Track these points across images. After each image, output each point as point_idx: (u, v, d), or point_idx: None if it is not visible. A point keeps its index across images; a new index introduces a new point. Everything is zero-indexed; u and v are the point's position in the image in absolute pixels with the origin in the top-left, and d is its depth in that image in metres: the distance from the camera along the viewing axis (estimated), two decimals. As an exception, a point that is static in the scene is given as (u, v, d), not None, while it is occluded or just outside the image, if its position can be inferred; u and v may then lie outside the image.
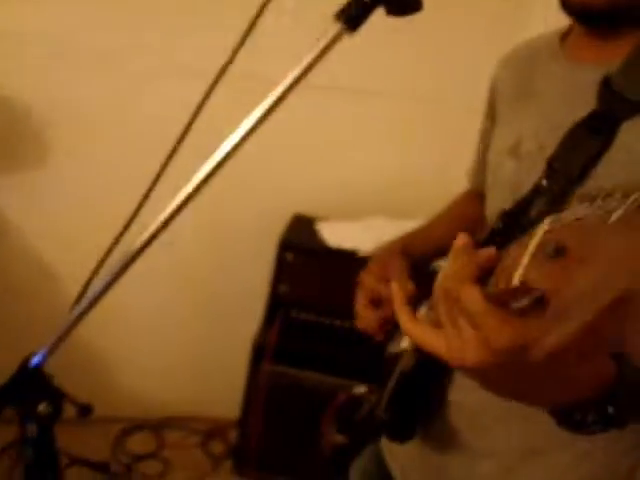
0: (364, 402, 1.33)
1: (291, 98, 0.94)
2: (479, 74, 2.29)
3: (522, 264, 0.54)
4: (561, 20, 1.26)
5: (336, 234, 2.23)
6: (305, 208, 2.44)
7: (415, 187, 2.48)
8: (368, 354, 2.22)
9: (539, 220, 0.98)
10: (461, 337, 0.65)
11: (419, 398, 1.13)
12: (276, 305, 2.26)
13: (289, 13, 2.21)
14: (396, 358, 1.27)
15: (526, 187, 1.03)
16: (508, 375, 0.65)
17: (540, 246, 0.54)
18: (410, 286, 1.20)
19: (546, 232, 0.55)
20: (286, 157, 2.39)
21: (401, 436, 1.12)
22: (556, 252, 0.51)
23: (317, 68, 0.93)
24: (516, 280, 0.54)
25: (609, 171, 0.95)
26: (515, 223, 1.01)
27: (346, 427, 1.95)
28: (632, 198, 0.52)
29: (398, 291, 0.78)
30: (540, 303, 0.55)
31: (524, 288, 0.55)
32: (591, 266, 0.52)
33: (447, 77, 2.44)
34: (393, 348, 1.33)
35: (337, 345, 2.25)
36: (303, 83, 0.94)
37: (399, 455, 1.23)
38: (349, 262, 2.16)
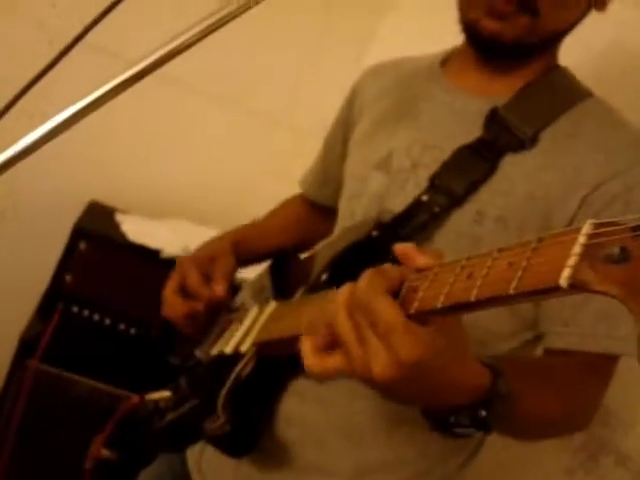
0: (161, 409, 1.19)
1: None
2: (313, 96, 2.28)
3: (569, 264, 0.50)
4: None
5: (139, 230, 2.03)
6: (104, 197, 2.22)
7: (220, 197, 2.38)
8: (150, 366, 2.06)
9: (418, 233, 0.95)
10: (370, 352, 0.64)
11: (255, 408, 1.01)
12: (56, 297, 2.00)
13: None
14: (210, 364, 1.14)
15: (397, 200, 1.03)
16: (410, 384, 0.65)
17: (593, 247, 0.49)
18: (222, 290, 1.15)
19: (592, 235, 0.50)
20: (94, 138, 2.16)
21: (242, 449, 0.98)
22: (621, 257, 0.47)
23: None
24: (563, 281, 0.49)
25: (490, 198, 0.97)
26: (392, 234, 0.99)
27: (125, 439, 1.75)
28: None
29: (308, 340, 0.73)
30: None
31: None
32: None
33: (284, 95, 2.36)
34: (201, 353, 1.21)
35: (118, 352, 2.04)
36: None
37: (210, 473, 1.09)
38: (150, 262, 1.98)
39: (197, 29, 0.81)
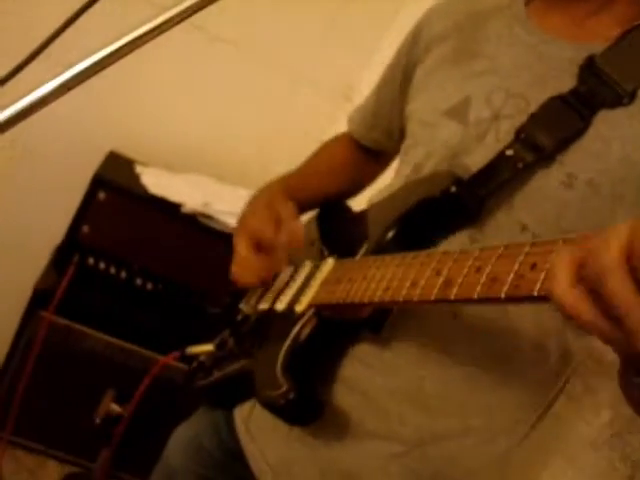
0: (205, 365, 1.15)
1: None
2: (337, 55, 2.22)
3: None
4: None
5: (159, 183, 1.98)
6: (123, 148, 2.16)
7: (240, 153, 2.33)
8: (166, 323, 2.02)
9: (500, 191, 0.89)
10: None
11: (317, 374, 0.96)
12: (72, 248, 1.94)
13: None
14: (260, 320, 1.10)
15: (474, 154, 0.94)
16: None
17: None
18: (300, 226, 1.07)
19: None
20: (115, 88, 2.09)
21: (305, 418, 0.93)
22: None
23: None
24: None
25: (582, 159, 0.89)
26: (471, 192, 0.91)
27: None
28: None
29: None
30: None
31: None
32: None
33: (308, 52, 2.30)
34: (247, 307, 1.16)
35: (133, 306, 2.00)
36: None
37: (260, 435, 1.05)
38: (170, 215, 1.94)
39: None
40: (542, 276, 0.61)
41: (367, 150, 1.29)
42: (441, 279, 0.73)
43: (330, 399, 0.98)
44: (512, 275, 0.64)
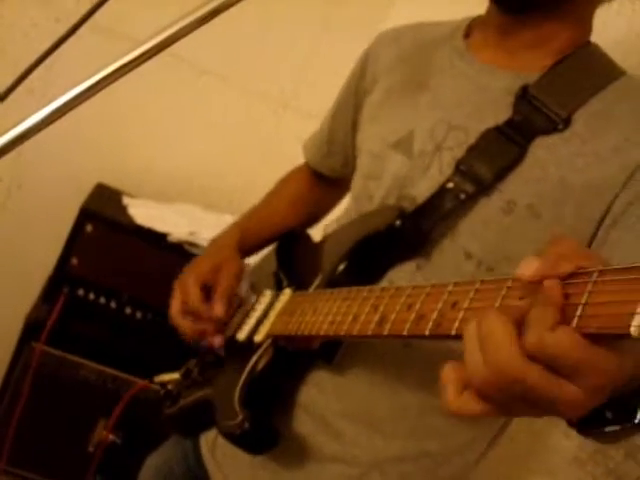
0: (173, 394, 1.18)
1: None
2: (319, 78, 2.26)
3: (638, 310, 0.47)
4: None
5: (146, 213, 2.02)
6: (111, 180, 2.20)
7: (227, 181, 2.37)
8: (155, 350, 2.05)
9: (443, 222, 0.93)
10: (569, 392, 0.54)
11: (273, 402, 1.00)
12: (61, 280, 1.99)
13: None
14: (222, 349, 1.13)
15: (419, 186, 0.98)
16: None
17: None
18: (221, 311, 1.11)
19: None
20: (101, 120, 2.14)
21: (261, 447, 0.97)
22: None
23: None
24: (635, 328, 0.47)
25: (521, 185, 0.92)
26: (416, 224, 0.95)
27: (131, 423, 1.75)
28: None
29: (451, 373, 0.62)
30: None
31: None
32: None
33: (291, 78, 2.36)
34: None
35: (123, 335, 2.03)
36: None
37: (226, 461, 1.08)
38: (157, 245, 1.98)
39: (205, 10, 0.80)
40: (460, 315, 0.64)
41: (325, 178, 1.33)
42: (377, 315, 0.77)
43: (290, 425, 1.02)
44: (435, 313, 0.68)
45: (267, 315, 1.05)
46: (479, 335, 0.56)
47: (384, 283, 0.98)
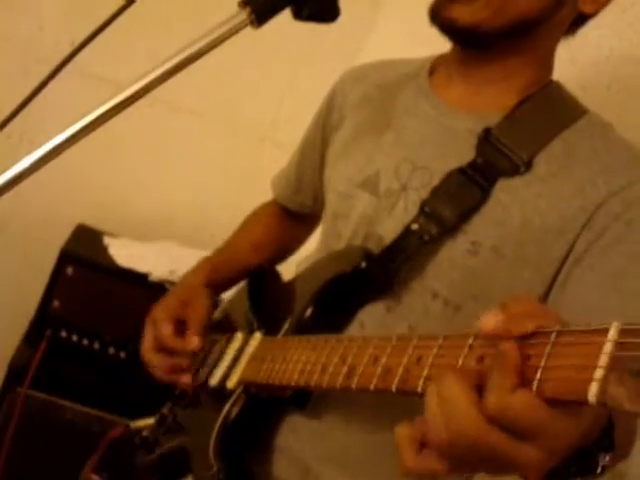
0: (149, 442, 1.17)
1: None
2: (296, 111, 2.27)
3: (596, 377, 0.48)
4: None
5: (126, 253, 2.02)
6: (91, 220, 2.20)
7: (208, 217, 2.38)
8: (140, 390, 2.04)
9: (409, 263, 0.93)
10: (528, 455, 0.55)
11: (248, 450, 0.99)
12: (44, 323, 1.98)
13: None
14: (195, 392, 1.13)
15: (386, 225, 1.00)
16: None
17: (621, 359, 0.47)
18: (196, 343, 1.12)
19: (619, 344, 0.47)
20: (80, 161, 2.14)
21: None
22: None
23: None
24: (592, 397, 0.47)
25: (484, 227, 0.93)
26: (381, 266, 0.96)
27: (111, 467, 1.74)
28: None
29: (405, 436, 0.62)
30: None
31: None
32: None
33: (261, 108, 2.36)
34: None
35: (108, 376, 2.02)
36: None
37: None
38: (138, 285, 1.98)
39: (187, 52, 0.81)
40: (425, 372, 0.65)
41: (294, 214, 1.34)
42: (345, 367, 0.78)
43: (269, 470, 1.02)
44: (401, 368, 0.68)
45: (238, 359, 1.06)
46: (440, 399, 0.57)
47: (354, 325, 0.98)
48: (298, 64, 2.30)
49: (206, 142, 2.32)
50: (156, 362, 1.14)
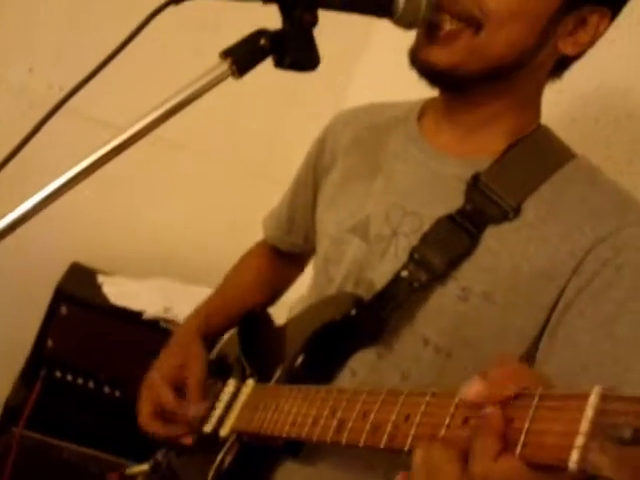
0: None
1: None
2: (291, 147, 2.29)
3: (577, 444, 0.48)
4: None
5: (120, 292, 2.03)
6: (86, 259, 2.21)
7: (204, 252, 2.38)
8: (136, 428, 2.03)
9: (399, 310, 0.93)
10: None
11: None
12: (39, 362, 1.98)
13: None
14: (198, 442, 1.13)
15: (377, 270, 1.00)
16: None
17: (601, 426, 0.47)
18: (201, 409, 1.11)
19: (600, 410, 0.47)
20: (74, 198, 2.15)
21: None
22: (634, 439, 0.45)
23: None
24: (573, 464, 0.48)
25: (474, 273, 0.94)
26: (372, 313, 0.96)
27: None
28: None
29: None
30: None
31: None
32: None
33: (256, 145, 2.38)
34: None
35: (103, 415, 2.02)
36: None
37: None
38: (132, 323, 1.98)
39: (170, 103, 0.83)
40: (412, 431, 0.66)
41: (285, 254, 1.35)
42: (335, 421, 0.79)
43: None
44: (390, 425, 0.69)
45: (231, 407, 1.06)
46: (427, 467, 0.58)
47: (345, 373, 0.99)
48: (288, 101, 2.32)
49: (201, 179, 2.33)
50: (156, 429, 1.14)
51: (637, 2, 1.02)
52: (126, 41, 0.83)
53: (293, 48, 0.86)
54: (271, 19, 0.88)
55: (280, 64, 0.87)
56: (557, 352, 0.90)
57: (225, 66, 0.82)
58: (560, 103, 1.46)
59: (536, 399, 0.53)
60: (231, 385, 1.12)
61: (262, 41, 0.84)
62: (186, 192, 2.34)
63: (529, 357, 0.95)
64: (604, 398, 0.48)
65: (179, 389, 1.15)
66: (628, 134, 1.49)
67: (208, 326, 1.25)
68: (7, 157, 0.84)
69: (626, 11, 1.01)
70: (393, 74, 1.95)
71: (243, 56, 0.83)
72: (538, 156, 0.99)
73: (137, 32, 0.82)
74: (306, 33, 0.87)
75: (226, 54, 0.83)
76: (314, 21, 0.86)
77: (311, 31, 0.87)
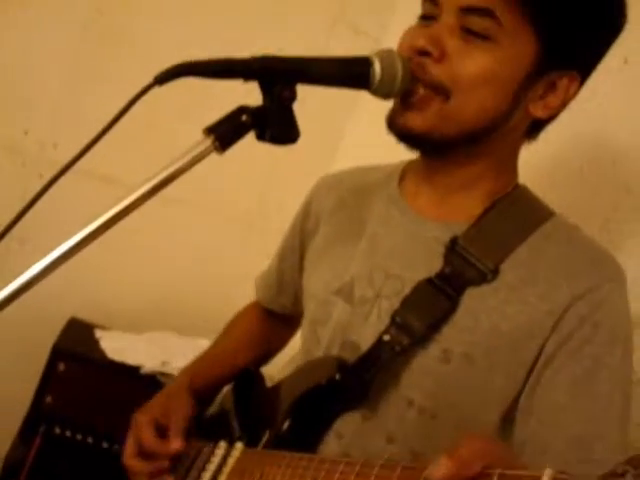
0: None
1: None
2: (280, 200, 2.32)
3: None
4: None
5: (118, 346, 2.04)
6: (84, 313, 2.23)
7: (201, 304, 2.40)
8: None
9: (383, 373, 0.95)
10: None
11: None
12: (38, 419, 1.99)
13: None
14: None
15: (361, 332, 1.02)
16: None
17: None
18: (179, 445, 1.14)
19: None
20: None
21: None
22: None
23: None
24: None
25: (455, 335, 0.96)
26: (356, 377, 0.98)
27: None
28: None
29: None
30: None
31: None
32: None
33: (246, 198, 2.42)
34: None
35: (102, 471, 2.01)
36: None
37: None
38: (130, 378, 1.99)
39: (157, 179, 0.87)
40: None
41: (276, 315, 1.37)
42: None
43: None
44: None
45: (221, 471, 1.07)
46: None
47: (331, 436, 1.00)
48: (280, 153, 2.35)
49: (194, 233, 2.36)
50: (137, 468, 1.15)
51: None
52: (113, 121, 0.86)
53: (273, 123, 0.89)
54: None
55: (261, 138, 0.91)
56: (537, 408, 0.93)
57: (208, 142, 0.86)
58: (544, 152, 1.49)
59: (495, 478, 0.56)
60: (222, 448, 1.13)
61: (244, 117, 0.88)
62: (181, 246, 2.36)
63: (509, 415, 0.97)
64: None
65: (162, 432, 1.17)
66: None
67: (194, 385, 1.27)
68: (9, 225, 0.86)
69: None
70: (383, 132, 2.00)
71: (225, 132, 0.87)
72: (515, 217, 1.02)
73: (122, 113, 0.85)
74: (286, 108, 0.90)
75: (209, 131, 0.86)
76: (293, 97, 0.90)
77: (290, 106, 0.90)
